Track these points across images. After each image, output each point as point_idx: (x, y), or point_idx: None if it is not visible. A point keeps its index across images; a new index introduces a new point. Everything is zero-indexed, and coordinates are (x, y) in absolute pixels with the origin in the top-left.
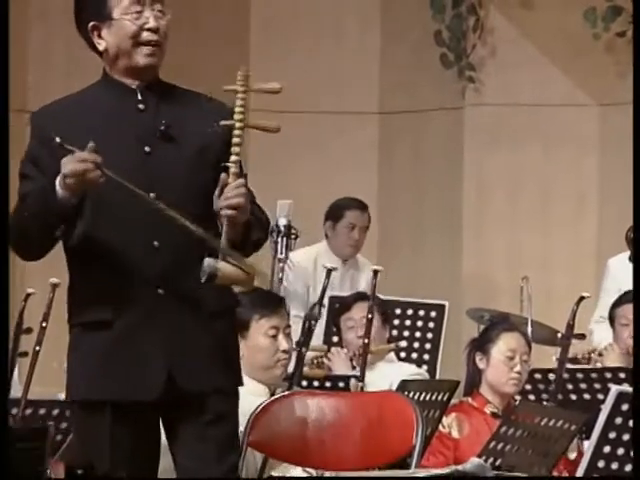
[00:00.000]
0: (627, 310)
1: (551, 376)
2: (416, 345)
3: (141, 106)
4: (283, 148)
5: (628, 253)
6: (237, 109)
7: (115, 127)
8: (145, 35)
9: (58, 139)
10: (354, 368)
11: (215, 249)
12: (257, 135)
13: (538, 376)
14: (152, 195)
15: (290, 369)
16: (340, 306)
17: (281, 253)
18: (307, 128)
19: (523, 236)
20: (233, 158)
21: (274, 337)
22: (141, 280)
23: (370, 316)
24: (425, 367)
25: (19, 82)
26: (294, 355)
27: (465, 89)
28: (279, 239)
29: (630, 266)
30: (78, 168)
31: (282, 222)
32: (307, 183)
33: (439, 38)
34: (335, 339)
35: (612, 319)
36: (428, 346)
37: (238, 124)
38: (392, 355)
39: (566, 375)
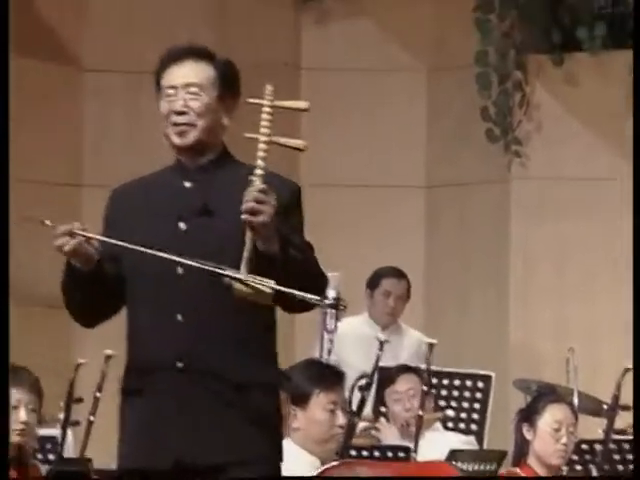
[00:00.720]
0: None
1: (598, 447)
2: (463, 415)
3: (187, 184)
4: (332, 219)
5: None
6: (263, 123)
7: (158, 204)
8: (174, 117)
9: (48, 222)
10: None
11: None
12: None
13: (585, 447)
14: (180, 270)
15: None
16: (384, 379)
17: (329, 324)
18: (356, 200)
19: (569, 307)
20: (258, 172)
21: (332, 412)
22: (163, 353)
23: (426, 388)
24: (473, 437)
25: (75, 157)
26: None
27: (511, 163)
28: (327, 310)
29: None
30: (55, 243)
31: (331, 294)
32: (355, 255)
33: (485, 114)
34: (383, 409)
35: None
36: (475, 416)
37: (263, 138)
38: (438, 424)
39: (613, 446)
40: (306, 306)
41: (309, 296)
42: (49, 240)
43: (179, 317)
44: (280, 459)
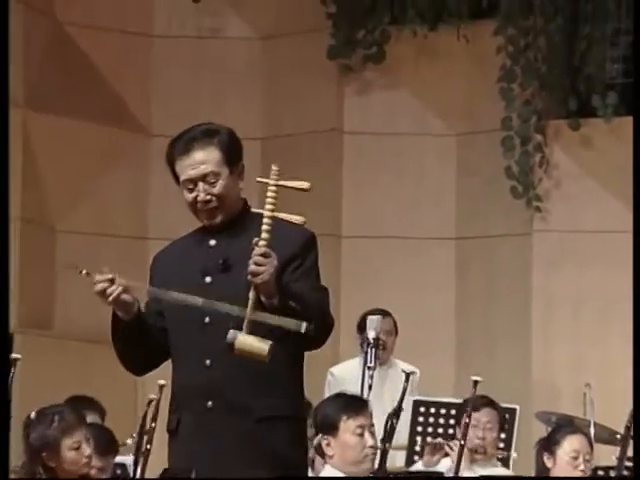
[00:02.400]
0: None
1: (612, 473)
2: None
3: (212, 242)
4: (371, 268)
5: None
6: (268, 200)
7: (188, 261)
8: (199, 206)
9: (85, 271)
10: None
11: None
12: (347, 255)
13: (601, 473)
14: (207, 319)
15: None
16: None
17: (370, 362)
18: (393, 251)
19: (586, 347)
20: (261, 243)
21: (361, 435)
22: (194, 394)
23: (467, 421)
24: (499, 464)
25: (141, 213)
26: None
27: (533, 217)
28: (369, 350)
29: None
30: (96, 289)
31: (371, 335)
32: (392, 300)
33: (509, 172)
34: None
35: None
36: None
37: (267, 213)
38: (495, 459)
39: (626, 472)
40: (315, 343)
41: (291, 323)
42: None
43: (207, 362)
44: None
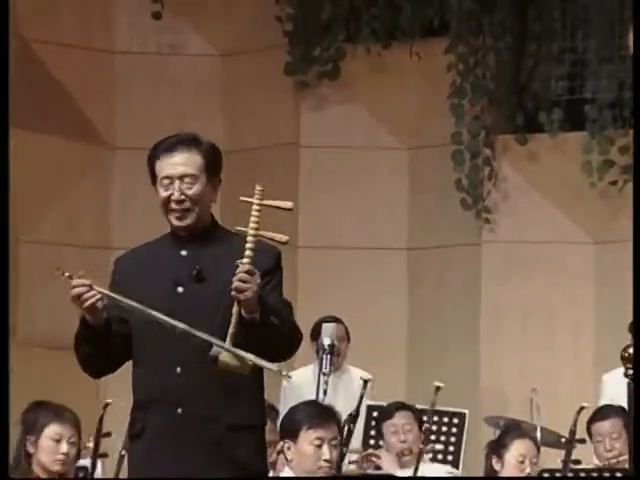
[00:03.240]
0: (600, 427)
1: (557, 475)
2: (441, 447)
3: (183, 253)
4: (325, 278)
5: (622, 369)
6: (252, 219)
7: (158, 270)
8: (172, 205)
9: (67, 274)
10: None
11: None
12: (303, 265)
13: (546, 475)
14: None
15: None
16: (382, 414)
17: (325, 368)
18: (346, 261)
19: (532, 354)
20: (245, 260)
21: (319, 447)
22: (164, 400)
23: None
24: (449, 467)
25: (105, 224)
26: None
27: (482, 228)
28: (324, 356)
29: (624, 381)
30: (73, 293)
31: (326, 341)
32: (345, 310)
33: (459, 185)
34: (371, 442)
35: (590, 434)
36: (452, 448)
37: (251, 232)
38: (426, 456)
39: (570, 474)
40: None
41: (267, 365)
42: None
43: (178, 369)
44: None
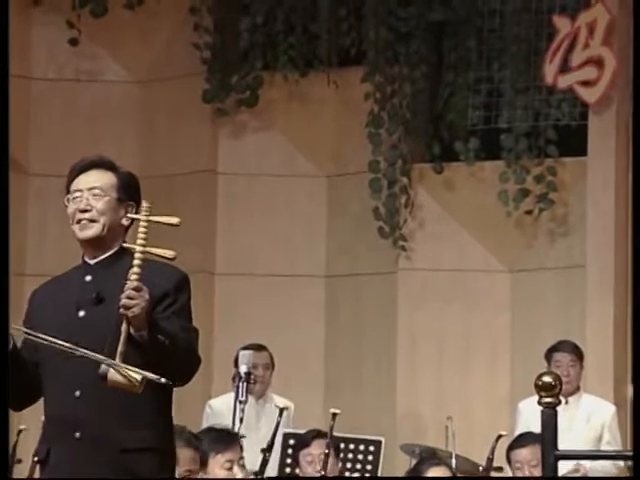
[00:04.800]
0: (519, 454)
1: None
2: (356, 475)
3: (88, 278)
4: (242, 305)
5: (536, 397)
6: (140, 235)
7: (63, 298)
8: (79, 215)
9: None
10: None
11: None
12: (220, 292)
13: None
14: (78, 352)
15: None
16: (298, 442)
17: (242, 396)
18: (264, 288)
19: (448, 381)
20: (133, 277)
21: (229, 469)
22: (63, 425)
23: (327, 451)
24: None
25: (19, 250)
26: None
27: (398, 256)
28: (240, 384)
29: (539, 408)
30: None
31: (243, 369)
32: (262, 337)
33: (377, 213)
34: (287, 470)
35: (509, 461)
36: (367, 475)
37: (139, 248)
38: None
39: None
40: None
41: (153, 377)
42: None
43: (77, 393)
44: None
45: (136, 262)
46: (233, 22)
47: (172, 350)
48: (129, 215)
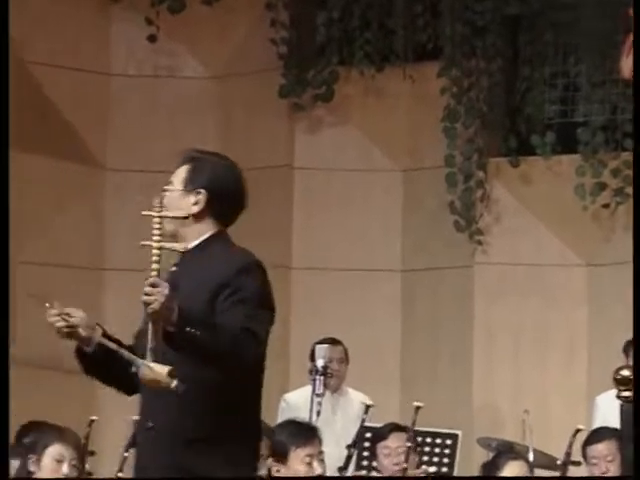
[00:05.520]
0: (595, 449)
1: None
2: (433, 469)
3: (173, 268)
4: (320, 299)
5: (615, 391)
6: (154, 232)
7: None
8: None
9: (47, 304)
10: None
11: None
12: (297, 286)
13: None
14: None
15: None
16: (375, 435)
17: (319, 389)
18: (340, 283)
19: (525, 375)
20: (153, 273)
21: (309, 464)
22: (141, 414)
23: (409, 444)
24: None
25: (97, 245)
26: None
27: (475, 250)
28: (317, 377)
29: (617, 402)
30: (49, 321)
31: (319, 363)
32: (339, 331)
33: (452, 207)
34: (364, 462)
35: (585, 457)
36: (445, 469)
37: (155, 244)
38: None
39: None
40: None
41: (158, 369)
42: None
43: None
44: None
45: (153, 258)
46: (309, 17)
47: (209, 341)
48: (143, 212)
